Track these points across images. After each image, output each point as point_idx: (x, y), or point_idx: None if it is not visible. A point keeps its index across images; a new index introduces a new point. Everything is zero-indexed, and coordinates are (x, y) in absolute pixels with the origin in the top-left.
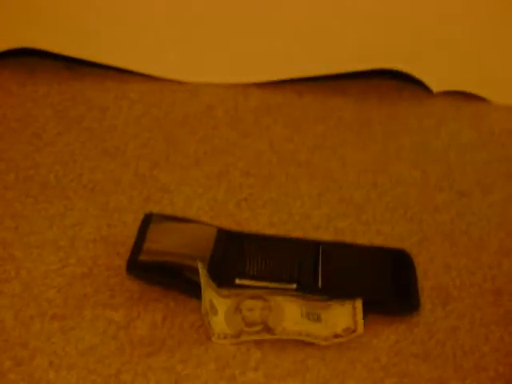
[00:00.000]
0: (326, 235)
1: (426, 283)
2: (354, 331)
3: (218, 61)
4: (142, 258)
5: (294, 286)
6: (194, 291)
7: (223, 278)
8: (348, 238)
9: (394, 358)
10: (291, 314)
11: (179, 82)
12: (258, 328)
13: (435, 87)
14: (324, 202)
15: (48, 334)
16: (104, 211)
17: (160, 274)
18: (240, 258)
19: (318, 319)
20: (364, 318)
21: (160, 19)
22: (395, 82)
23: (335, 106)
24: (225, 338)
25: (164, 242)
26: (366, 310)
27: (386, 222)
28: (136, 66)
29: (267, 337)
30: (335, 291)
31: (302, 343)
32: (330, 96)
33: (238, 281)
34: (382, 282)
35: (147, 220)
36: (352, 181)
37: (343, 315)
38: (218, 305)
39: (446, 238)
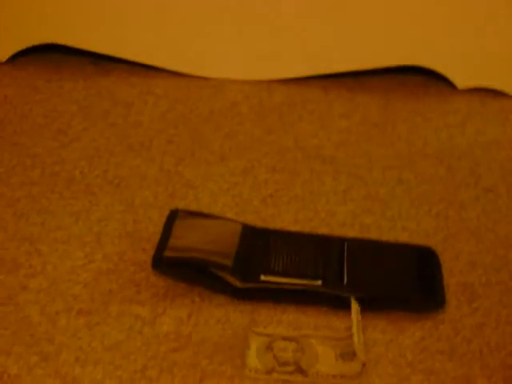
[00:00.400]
0: (351, 232)
1: (452, 280)
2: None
3: (242, 57)
4: (168, 254)
5: (320, 282)
6: (220, 286)
7: (248, 274)
8: (373, 235)
9: (419, 354)
10: (325, 357)
11: (204, 78)
12: (290, 368)
13: (460, 84)
14: (349, 199)
15: (74, 330)
16: (129, 207)
17: (185, 269)
18: (265, 254)
19: (353, 356)
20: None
21: (185, 15)
22: (420, 78)
23: (360, 103)
24: (256, 372)
25: (189, 238)
26: (392, 307)
27: (411, 219)
28: (161, 62)
29: (299, 378)
30: (361, 288)
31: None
32: (354, 92)
33: (263, 277)
34: (407, 278)
35: (173, 216)
36: (377, 177)
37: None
38: (250, 339)
39: (471, 234)
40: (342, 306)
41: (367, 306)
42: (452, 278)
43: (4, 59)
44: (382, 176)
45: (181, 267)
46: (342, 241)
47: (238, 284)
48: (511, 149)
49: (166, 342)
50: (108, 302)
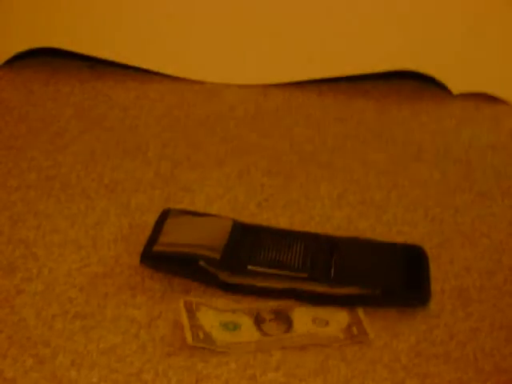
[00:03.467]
0: None
1: (447, 285)
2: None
3: (238, 61)
4: (157, 248)
5: (305, 275)
6: (209, 280)
7: (236, 265)
8: None
9: (414, 358)
10: (300, 319)
11: (200, 83)
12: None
13: (455, 89)
14: (344, 203)
15: (70, 333)
16: (125, 211)
17: (174, 263)
18: (254, 247)
19: (326, 324)
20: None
21: (181, 21)
22: (415, 83)
23: (356, 107)
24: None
25: (179, 235)
26: (379, 303)
27: (406, 223)
28: (157, 66)
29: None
30: (347, 283)
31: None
32: (350, 97)
33: (250, 267)
34: (394, 275)
35: (164, 215)
36: (372, 182)
37: (345, 315)
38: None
39: (466, 239)
40: (327, 302)
41: (355, 302)
42: (447, 282)
43: (1, 63)
44: (378, 180)
45: (169, 261)
46: (331, 238)
47: (225, 276)
48: (506, 153)
49: (162, 346)
50: (104, 306)
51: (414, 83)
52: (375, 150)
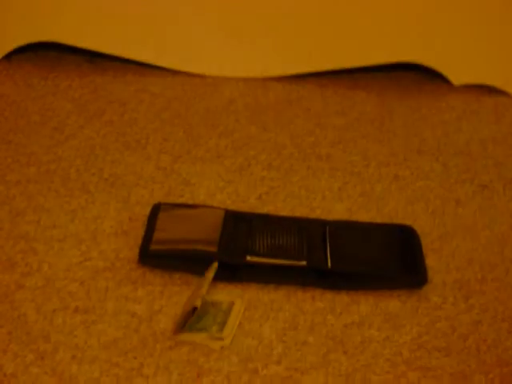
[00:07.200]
0: None
1: (448, 277)
2: None
3: (238, 55)
4: (153, 247)
5: (304, 262)
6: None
7: (234, 256)
8: None
9: (416, 351)
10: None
11: (200, 76)
12: None
13: (456, 80)
14: (345, 196)
15: (70, 328)
16: (125, 205)
17: (172, 260)
18: (249, 236)
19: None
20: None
21: (180, 14)
22: (416, 75)
23: (356, 100)
24: None
25: (173, 230)
26: (375, 285)
27: (407, 216)
28: (157, 60)
29: None
30: (344, 267)
31: (324, 337)
32: (351, 89)
33: (249, 258)
34: (388, 257)
35: (156, 210)
36: (373, 174)
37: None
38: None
39: (467, 231)
40: (327, 285)
41: (351, 285)
42: (448, 274)
43: (0, 57)
44: (378, 173)
45: (168, 259)
46: (324, 223)
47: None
48: (507, 145)
49: (163, 340)
50: (104, 300)
51: (414, 75)
52: (376, 143)
